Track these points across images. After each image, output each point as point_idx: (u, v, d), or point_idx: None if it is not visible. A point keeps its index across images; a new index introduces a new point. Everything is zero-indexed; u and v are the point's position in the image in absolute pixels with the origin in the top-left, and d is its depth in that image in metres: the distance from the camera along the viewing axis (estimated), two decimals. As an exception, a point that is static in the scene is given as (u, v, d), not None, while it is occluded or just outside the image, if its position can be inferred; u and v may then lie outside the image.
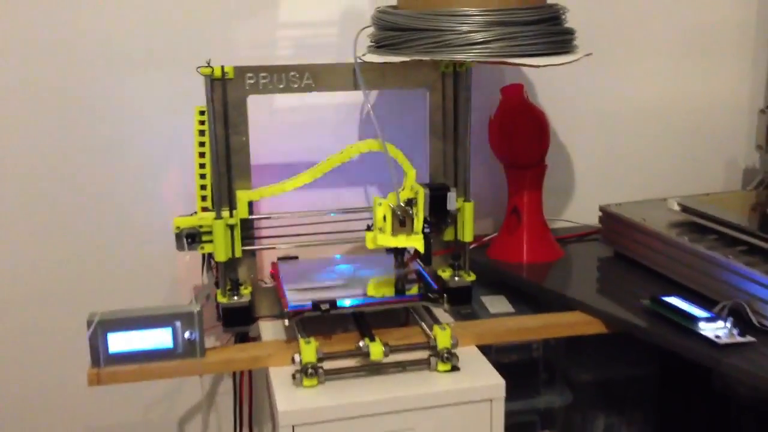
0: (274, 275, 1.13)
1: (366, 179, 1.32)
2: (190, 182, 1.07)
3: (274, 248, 1.11)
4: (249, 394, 1.23)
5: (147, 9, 1.22)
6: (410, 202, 0.99)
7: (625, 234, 1.23)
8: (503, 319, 1.11)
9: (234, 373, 1.25)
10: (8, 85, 1.20)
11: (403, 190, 1.00)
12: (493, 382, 0.95)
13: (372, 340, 0.97)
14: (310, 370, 0.93)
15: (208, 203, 1.05)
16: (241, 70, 1.02)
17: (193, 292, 1.26)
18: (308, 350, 0.93)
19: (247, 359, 1.01)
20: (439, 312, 1.08)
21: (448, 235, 1.11)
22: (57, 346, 1.28)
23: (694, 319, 0.96)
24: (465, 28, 0.99)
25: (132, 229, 1.27)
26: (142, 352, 0.96)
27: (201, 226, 1.03)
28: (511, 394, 0.95)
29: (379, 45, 1.07)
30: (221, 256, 1.03)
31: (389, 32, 1.05)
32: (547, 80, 1.37)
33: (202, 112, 1.03)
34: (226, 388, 1.33)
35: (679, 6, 1.43)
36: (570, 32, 1.06)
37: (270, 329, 1.08)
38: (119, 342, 0.95)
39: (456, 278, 1.08)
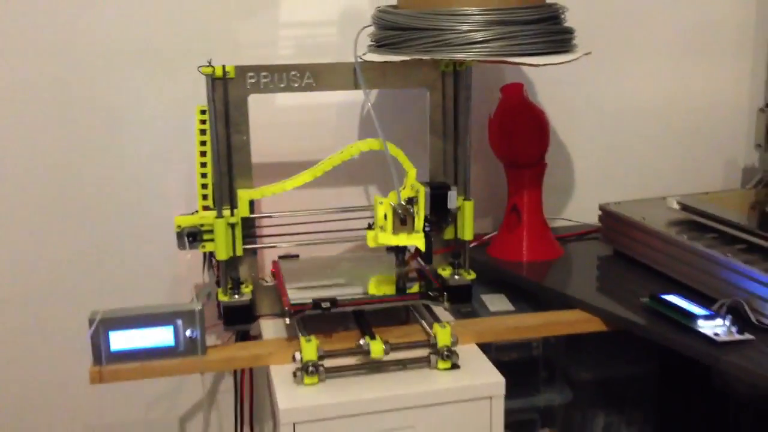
0: (275, 274, 1.13)
1: (366, 178, 1.32)
2: (191, 181, 1.08)
3: (275, 247, 1.12)
4: (250, 392, 1.24)
5: (148, 8, 1.22)
6: (411, 201, 1.00)
7: (624, 232, 1.23)
8: (503, 317, 1.11)
9: (235, 372, 1.26)
10: (9, 84, 1.20)
11: (403, 188, 1.01)
12: (493, 380, 0.95)
13: (372, 338, 0.97)
14: (310, 368, 0.93)
15: (209, 202, 1.05)
16: (242, 70, 1.02)
17: (194, 291, 1.27)
18: (309, 348, 0.94)
19: (248, 357, 1.01)
20: (440, 310, 1.08)
21: (448, 234, 1.11)
22: (58, 345, 1.28)
23: (693, 317, 0.97)
24: (465, 27, 0.99)
25: (133, 228, 1.28)
26: (144, 350, 0.96)
27: (202, 225, 1.03)
28: (511, 392, 0.96)
29: (380, 44, 1.07)
30: (222, 254, 1.03)
31: (389, 31, 1.05)
32: (546, 79, 1.37)
33: (203, 112, 1.04)
34: (227, 387, 1.34)
35: (679, 5, 1.43)
36: (569, 31, 1.07)
37: (271, 327, 1.08)
38: (121, 340, 0.95)
39: (456, 277, 1.09)
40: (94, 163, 1.25)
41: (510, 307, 1.16)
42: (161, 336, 0.96)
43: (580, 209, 1.43)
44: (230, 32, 1.26)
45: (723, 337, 0.93)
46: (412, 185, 1.01)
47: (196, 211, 1.05)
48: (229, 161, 1.04)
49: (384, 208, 0.98)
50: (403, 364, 0.97)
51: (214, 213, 1.03)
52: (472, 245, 1.12)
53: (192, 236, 1.03)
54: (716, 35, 1.46)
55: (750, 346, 0.92)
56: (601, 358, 1.22)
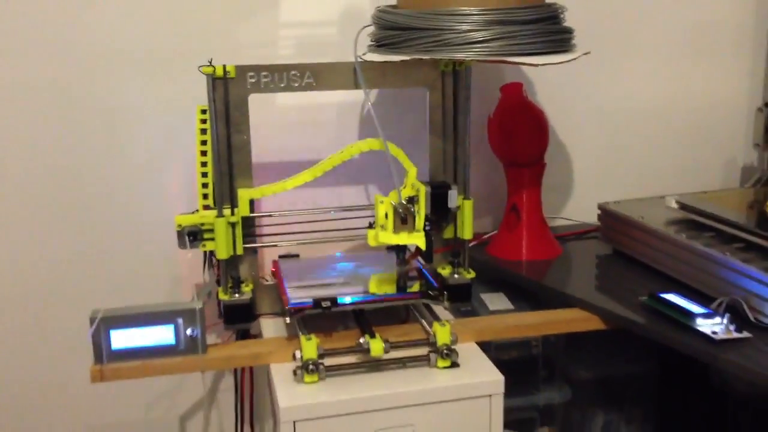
0: (275, 273, 1.13)
1: (366, 177, 1.32)
2: (191, 180, 1.08)
3: (275, 246, 1.12)
4: (250, 390, 1.24)
5: (149, 8, 1.22)
6: (411, 200, 1.00)
7: (623, 232, 1.23)
8: (502, 316, 1.12)
9: (235, 370, 1.26)
10: (9, 85, 1.21)
11: (404, 188, 1.01)
12: (493, 379, 0.96)
13: (372, 336, 0.97)
14: (311, 367, 0.93)
15: (210, 201, 1.05)
16: (242, 69, 1.02)
17: (194, 290, 1.27)
18: (309, 347, 0.94)
19: (248, 356, 1.01)
20: (439, 309, 1.09)
21: (447, 233, 1.11)
22: (58, 344, 1.29)
23: (692, 316, 0.97)
24: (464, 27, 1.00)
25: (134, 227, 1.28)
26: (145, 348, 0.96)
27: (203, 224, 1.04)
28: (510, 390, 0.96)
29: (380, 44, 1.07)
30: (223, 253, 1.04)
31: (389, 31, 1.05)
32: (546, 79, 1.37)
33: (203, 111, 1.04)
34: (227, 385, 1.34)
35: (678, 5, 1.43)
36: (568, 31, 1.07)
37: (271, 326, 1.09)
38: (122, 339, 0.95)
39: (456, 275, 1.09)
40: (95, 163, 1.25)
41: (509, 305, 1.16)
42: (162, 335, 0.96)
43: (579, 208, 1.44)
44: (231, 32, 1.26)
45: (721, 336, 0.93)
46: (413, 184, 1.01)
47: (197, 211, 1.06)
48: (229, 161, 1.05)
49: (385, 207, 0.98)
50: (402, 363, 0.98)
51: (214, 212, 1.04)
52: (471, 244, 1.13)
53: (193, 235, 1.03)
54: (715, 35, 1.46)
55: (748, 344, 0.93)
56: (600, 356, 1.22)
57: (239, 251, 1.05)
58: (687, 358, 0.95)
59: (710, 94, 1.48)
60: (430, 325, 1.01)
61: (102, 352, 0.95)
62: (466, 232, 1.09)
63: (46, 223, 1.26)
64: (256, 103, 1.05)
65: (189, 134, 1.07)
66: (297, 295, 1.03)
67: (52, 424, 1.33)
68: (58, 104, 1.23)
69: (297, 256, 1.19)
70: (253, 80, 1.03)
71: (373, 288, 1.06)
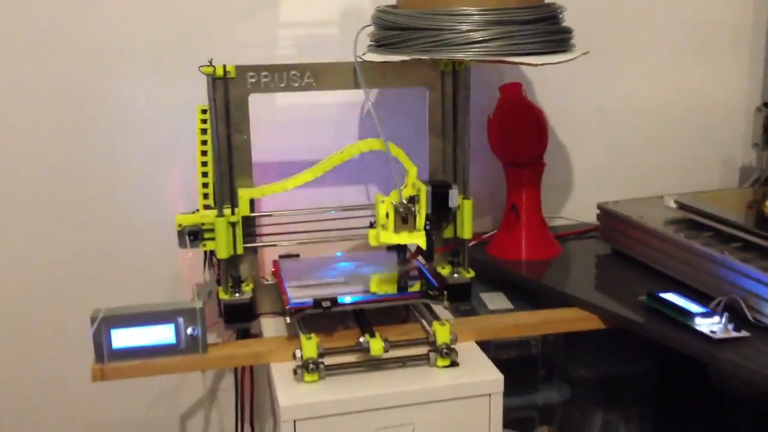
0: (276, 273, 1.13)
1: (366, 177, 1.33)
2: (192, 180, 1.08)
3: (275, 246, 1.12)
4: (250, 390, 1.24)
5: (149, 8, 1.22)
6: (412, 200, 1.00)
7: (622, 231, 1.23)
8: (502, 315, 1.12)
9: (235, 369, 1.26)
10: (10, 84, 1.21)
11: (405, 187, 1.01)
12: (492, 378, 0.96)
13: (372, 335, 0.98)
14: (311, 366, 0.94)
15: (210, 201, 1.06)
16: (242, 69, 1.03)
17: (195, 289, 1.27)
18: (309, 346, 0.94)
19: (248, 355, 1.01)
20: (439, 308, 1.09)
21: (447, 233, 1.11)
22: (59, 344, 1.29)
23: (690, 315, 0.97)
24: (464, 27, 1.00)
25: (134, 227, 1.28)
26: (145, 347, 0.96)
27: (203, 224, 1.04)
28: (509, 389, 0.96)
29: (379, 44, 1.08)
30: (223, 253, 1.04)
31: (389, 31, 1.06)
32: (545, 79, 1.38)
33: (204, 111, 1.04)
34: (227, 385, 1.34)
35: (676, 5, 1.43)
36: (567, 31, 1.07)
37: (271, 326, 1.09)
38: (123, 338, 0.96)
39: (455, 275, 1.09)
40: (95, 162, 1.26)
41: (509, 305, 1.16)
42: (162, 334, 0.97)
43: (578, 208, 1.44)
44: (231, 32, 1.26)
45: (719, 335, 0.94)
46: (414, 184, 1.01)
47: (197, 210, 1.06)
48: (229, 160, 1.05)
49: (385, 206, 0.98)
50: (402, 362, 0.98)
51: (214, 212, 1.04)
52: (471, 244, 1.13)
53: (193, 235, 1.04)
54: (714, 35, 1.46)
55: (746, 344, 0.93)
56: (599, 356, 1.23)
57: (239, 251, 1.05)
58: (686, 358, 0.96)
59: (709, 94, 1.48)
60: (430, 325, 1.01)
61: (103, 351, 0.96)
62: (466, 232, 1.09)
63: (47, 222, 1.26)
64: (257, 102, 1.06)
65: (189, 134, 1.07)
66: (297, 294, 1.04)
67: (53, 423, 1.33)
68: (58, 104, 1.23)
69: (297, 255, 1.19)
70: (253, 80, 1.04)
71: (374, 287, 1.06)
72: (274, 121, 1.27)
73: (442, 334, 0.98)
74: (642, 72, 1.45)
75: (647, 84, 1.46)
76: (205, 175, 1.05)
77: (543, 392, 1.21)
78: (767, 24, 1.46)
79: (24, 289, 1.27)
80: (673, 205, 1.20)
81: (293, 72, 1.05)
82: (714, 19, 1.46)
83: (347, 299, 1.02)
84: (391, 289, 1.06)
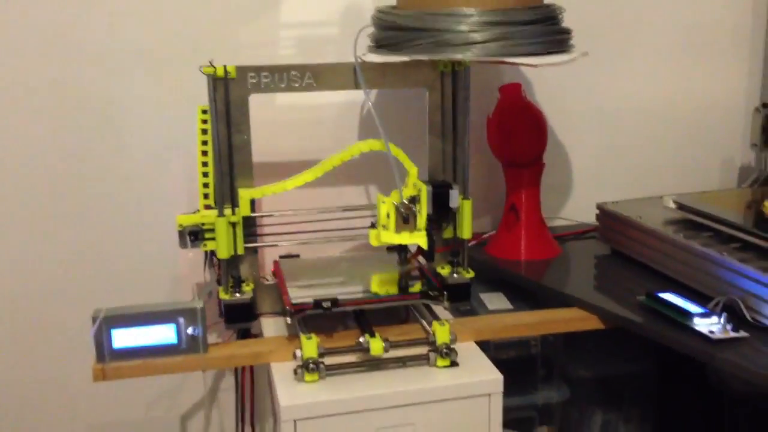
0: (276, 273, 1.14)
1: (366, 177, 1.33)
2: (192, 180, 1.09)
3: (276, 246, 1.12)
4: (251, 389, 1.24)
5: (150, 9, 1.23)
6: (413, 200, 1.00)
7: (621, 231, 1.24)
8: (501, 315, 1.12)
9: (236, 369, 1.26)
10: (10, 84, 1.21)
11: (405, 187, 1.01)
12: (492, 377, 0.96)
13: (372, 335, 0.98)
14: (311, 366, 0.94)
15: (211, 201, 1.06)
16: (243, 70, 1.03)
17: (195, 289, 1.28)
18: (309, 346, 0.95)
19: (249, 355, 1.02)
20: (439, 308, 1.09)
21: (447, 233, 1.12)
22: (59, 344, 1.29)
23: (689, 315, 0.98)
24: (463, 28, 1.00)
25: (135, 227, 1.28)
26: (146, 347, 0.97)
27: (204, 224, 1.04)
28: (509, 389, 0.96)
29: (379, 45, 1.08)
30: (224, 253, 1.04)
31: (389, 32, 1.06)
32: (544, 79, 1.38)
33: (204, 111, 1.04)
34: (228, 385, 1.35)
35: (675, 6, 1.44)
36: (567, 32, 1.08)
37: (271, 326, 1.09)
38: (123, 338, 0.96)
39: (455, 275, 1.09)
40: (96, 162, 1.26)
41: (508, 305, 1.16)
42: (163, 334, 0.97)
43: (577, 208, 1.44)
44: (231, 32, 1.27)
45: (718, 335, 0.94)
46: (414, 184, 1.01)
47: (198, 210, 1.06)
48: (230, 160, 1.05)
49: (387, 206, 0.98)
50: (402, 362, 0.98)
51: (215, 212, 1.04)
52: (470, 244, 1.13)
53: (194, 235, 1.04)
54: (713, 36, 1.47)
55: (745, 344, 0.93)
56: (598, 356, 1.23)
57: (240, 251, 1.06)
58: (684, 358, 0.96)
59: (708, 95, 1.49)
60: (430, 325, 1.01)
61: (104, 351, 0.96)
62: (465, 232, 1.09)
63: (47, 222, 1.26)
64: (257, 103, 1.06)
65: (190, 134, 1.07)
66: (298, 295, 1.04)
67: (53, 423, 1.33)
68: (59, 104, 1.23)
69: (297, 256, 1.20)
70: (253, 80, 1.04)
71: (375, 288, 1.06)
72: (275, 121, 1.27)
73: (441, 334, 0.98)
74: (641, 72, 1.45)
75: (646, 84, 1.46)
76: (205, 175, 1.06)
77: (542, 392, 1.21)
78: (766, 24, 1.47)
79: (24, 289, 1.27)
80: (672, 205, 1.20)
81: (293, 72, 1.05)
82: (713, 19, 1.46)
83: (348, 300, 1.02)
84: (392, 289, 1.06)
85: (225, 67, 1.02)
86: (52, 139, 1.24)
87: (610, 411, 1.28)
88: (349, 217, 1.12)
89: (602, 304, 1.08)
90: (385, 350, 0.97)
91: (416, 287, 1.07)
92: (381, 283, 1.07)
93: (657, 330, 0.99)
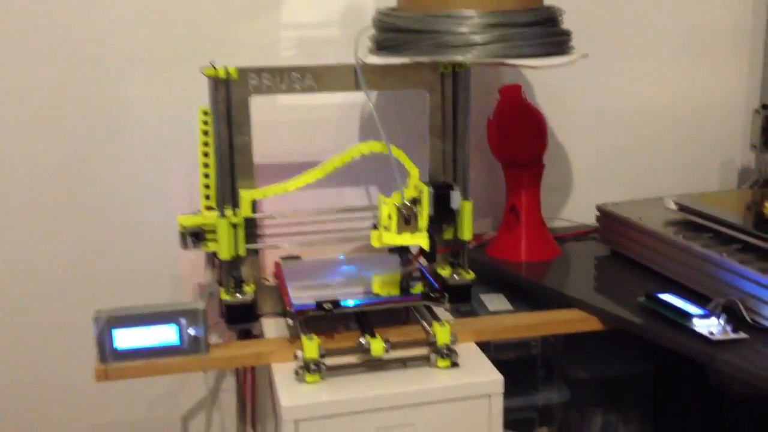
0: (277, 274, 1.14)
1: (367, 178, 1.33)
2: (194, 181, 1.09)
3: (277, 247, 1.13)
4: (252, 390, 1.24)
5: (151, 10, 1.23)
6: (414, 201, 1.01)
7: (621, 232, 1.24)
8: (502, 316, 1.12)
9: (237, 370, 1.27)
10: (11, 85, 1.21)
11: (407, 188, 1.02)
12: (492, 378, 0.96)
13: (373, 336, 0.98)
14: (312, 366, 0.94)
15: (212, 202, 1.06)
16: (244, 71, 1.03)
17: (197, 290, 1.28)
18: (310, 347, 0.95)
19: (250, 355, 1.02)
20: (439, 309, 1.09)
21: (447, 234, 1.12)
22: (61, 344, 1.29)
23: (689, 316, 0.98)
24: (464, 29, 1.00)
25: (137, 228, 1.28)
26: (148, 348, 0.97)
27: (205, 225, 1.04)
28: (509, 390, 0.96)
29: (380, 46, 1.08)
30: (225, 254, 1.04)
31: (389, 34, 1.06)
32: (544, 81, 1.38)
33: (205, 113, 1.05)
34: (229, 385, 1.35)
35: (675, 7, 1.44)
36: (566, 33, 1.08)
37: (272, 326, 1.09)
38: (126, 338, 0.96)
39: (455, 276, 1.10)
40: (97, 163, 1.26)
41: (508, 306, 1.17)
42: (165, 334, 0.97)
43: (577, 209, 1.45)
44: (232, 34, 1.27)
45: (718, 336, 0.94)
46: (416, 185, 1.02)
47: (199, 211, 1.06)
48: (231, 162, 1.05)
49: (388, 208, 0.98)
50: (403, 363, 0.99)
51: (216, 213, 1.04)
52: (471, 245, 1.14)
53: (195, 236, 1.04)
54: (712, 36, 1.47)
55: (744, 345, 0.94)
56: (598, 357, 1.23)
57: (241, 252, 1.06)
58: (684, 359, 0.96)
59: (708, 96, 1.49)
60: (430, 326, 1.01)
61: (106, 351, 0.96)
62: (466, 233, 1.09)
63: (49, 223, 1.26)
64: (258, 104, 1.06)
65: (191, 135, 1.07)
66: (299, 296, 1.04)
67: (55, 423, 1.33)
68: (61, 105, 1.23)
69: (298, 257, 1.20)
70: (254, 82, 1.04)
71: (377, 289, 1.06)
72: (276, 122, 1.27)
73: (442, 335, 0.98)
74: (641, 73, 1.45)
75: (646, 85, 1.46)
76: (206, 176, 1.06)
77: (543, 393, 1.21)
78: (766, 26, 1.47)
79: (27, 290, 1.28)
80: (672, 206, 1.20)
81: (294, 74, 1.05)
82: (713, 20, 1.46)
83: (349, 301, 1.02)
84: (394, 290, 1.06)
85: (226, 68, 1.02)
86: (54, 140, 1.24)
87: (610, 412, 1.28)
88: (350, 218, 1.12)
89: (602, 305, 1.08)
90: (386, 351, 0.97)
91: (417, 288, 1.07)
92: (382, 285, 1.07)
93: (657, 331, 1.00)
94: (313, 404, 0.92)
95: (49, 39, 1.21)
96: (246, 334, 1.10)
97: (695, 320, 0.97)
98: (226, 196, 1.05)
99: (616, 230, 1.26)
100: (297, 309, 1.00)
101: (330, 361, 0.97)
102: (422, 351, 1.00)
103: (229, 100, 1.03)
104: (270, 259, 1.21)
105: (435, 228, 1.07)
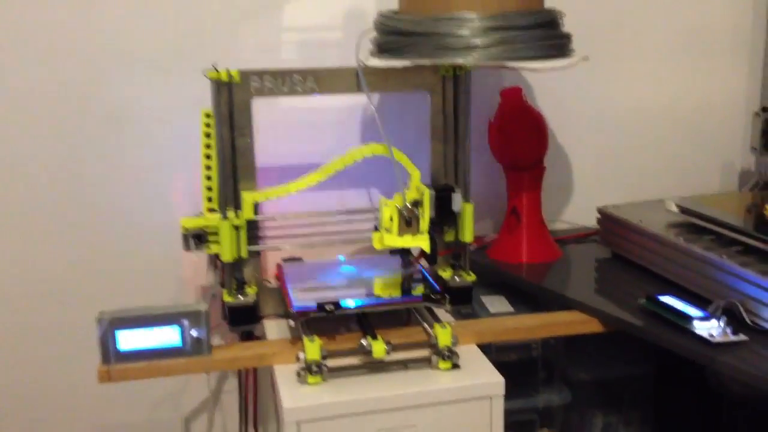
0: (279, 276, 1.14)
1: (369, 180, 1.33)
2: (196, 183, 1.09)
3: (279, 249, 1.13)
4: (254, 392, 1.25)
5: (154, 13, 1.23)
6: (415, 203, 1.01)
7: (622, 235, 1.24)
8: (503, 318, 1.13)
9: (239, 372, 1.27)
10: (15, 87, 1.22)
11: (408, 191, 1.02)
12: (493, 380, 0.97)
13: (374, 338, 0.98)
14: (314, 368, 0.95)
15: (214, 204, 1.07)
16: (246, 74, 1.04)
17: (199, 292, 1.28)
18: (312, 348, 0.95)
19: (252, 357, 1.02)
20: (440, 311, 1.09)
21: (448, 236, 1.12)
22: (64, 346, 1.30)
23: (689, 318, 0.98)
24: (465, 32, 1.00)
25: (140, 230, 1.29)
26: (151, 350, 0.97)
27: (207, 227, 1.05)
28: (510, 392, 0.97)
29: (382, 49, 1.09)
30: (227, 256, 1.05)
31: (391, 36, 1.06)
32: (545, 83, 1.38)
33: (208, 115, 1.05)
34: (231, 387, 1.35)
35: (676, 9, 1.44)
36: (567, 36, 1.08)
37: (274, 328, 1.10)
38: (129, 340, 0.96)
39: (457, 278, 1.10)
40: (101, 165, 1.26)
41: (509, 308, 1.17)
42: (168, 336, 0.98)
43: (578, 211, 1.45)
44: (235, 37, 1.27)
45: (718, 338, 0.94)
46: (417, 187, 1.02)
47: (202, 213, 1.07)
48: (233, 164, 1.06)
49: (389, 210, 0.99)
50: (404, 364, 0.99)
51: (219, 215, 1.05)
52: (472, 247, 1.14)
53: (197, 238, 1.04)
54: (713, 39, 1.47)
55: (744, 347, 0.94)
56: (599, 359, 1.23)
57: (243, 254, 1.06)
58: (684, 361, 0.96)
59: (708, 98, 1.49)
60: (432, 327, 1.02)
61: (109, 352, 0.96)
62: (467, 235, 1.10)
63: (52, 225, 1.27)
64: (260, 106, 1.06)
65: (194, 137, 1.08)
66: (301, 298, 1.04)
67: (57, 424, 1.34)
68: (63, 106, 1.24)
69: (300, 259, 1.20)
70: (256, 84, 1.04)
71: (378, 291, 1.06)
72: (278, 125, 1.28)
73: (443, 336, 0.99)
74: (641, 76, 1.46)
75: (647, 88, 1.46)
76: (209, 178, 1.06)
77: (543, 395, 1.22)
78: (766, 28, 1.47)
79: (29, 291, 1.28)
80: (674, 208, 1.20)
81: (296, 76, 1.06)
82: (713, 23, 1.46)
83: (350, 303, 1.02)
84: (395, 292, 1.07)
85: (228, 71, 1.02)
86: (57, 141, 1.24)
87: (611, 413, 1.28)
88: (352, 220, 1.12)
89: (603, 308, 1.09)
90: (387, 353, 0.97)
91: (418, 290, 1.08)
92: (384, 286, 1.07)
93: (657, 333, 1.00)
94: (315, 406, 0.92)
95: (52, 41, 1.21)
96: (248, 336, 1.10)
97: (695, 322, 0.97)
98: (228, 198, 1.05)
99: (616, 232, 1.26)
100: (298, 310, 1.00)
101: (332, 362, 0.97)
102: (423, 353, 1.00)
103: (232, 102, 1.04)
104: (272, 260, 1.21)
105: (436, 230, 1.08)
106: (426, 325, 1.05)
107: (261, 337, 1.10)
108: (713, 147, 1.51)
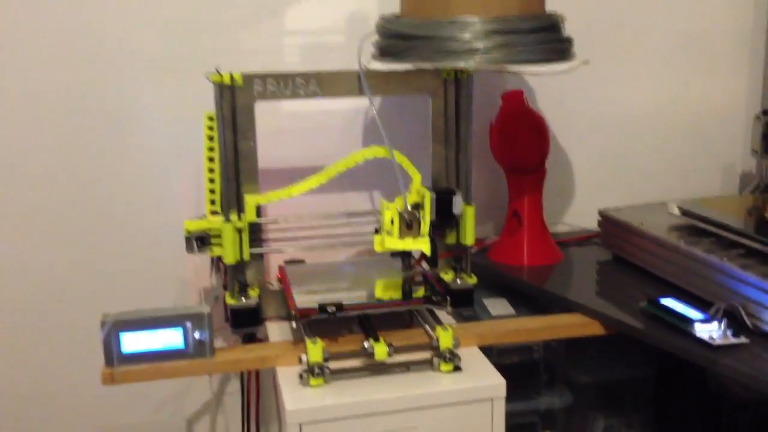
0: (281, 278, 1.14)
1: (370, 183, 1.34)
2: (199, 186, 1.09)
3: (281, 251, 1.13)
4: (256, 394, 1.25)
5: (157, 16, 1.24)
6: (416, 206, 1.01)
7: (623, 237, 1.24)
8: (504, 320, 1.13)
9: (242, 374, 1.27)
10: (18, 89, 1.22)
11: (409, 194, 1.02)
12: (495, 382, 0.97)
13: (376, 340, 0.99)
14: (316, 370, 0.95)
15: (217, 207, 1.07)
16: (249, 77, 1.04)
17: (202, 294, 1.28)
18: (315, 350, 0.95)
19: (255, 359, 1.03)
20: (442, 314, 1.10)
21: (450, 239, 1.12)
22: (67, 347, 1.30)
23: (690, 321, 0.98)
24: (466, 36, 1.01)
25: (143, 232, 1.29)
26: (154, 352, 0.98)
27: (210, 230, 1.05)
28: (512, 394, 0.97)
29: (383, 52, 1.09)
30: (230, 258, 1.05)
31: (393, 40, 1.07)
32: (546, 86, 1.39)
33: (211, 118, 1.05)
34: (233, 389, 1.35)
35: (676, 12, 1.44)
36: (568, 40, 1.09)
37: (277, 330, 1.10)
38: (132, 342, 0.97)
39: (458, 281, 1.10)
40: (104, 168, 1.27)
41: (511, 310, 1.17)
42: (171, 338, 0.98)
43: (579, 214, 1.45)
44: (237, 40, 1.28)
45: (719, 341, 0.95)
46: (418, 190, 1.02)
47: (205, 216, 1.07)
48: (236, 167, 1.06)
49: (391, 213, 0.99)
50: (406, 367, 0.99)
51: (222, 218, 1.05)
52: (473, 250, 1.14)
53: (200, 240, 1.05)
54: (713, 41, 1.47)
55: (745, 350, 0.94)
56: (600, 361, 1.23)
57: (246, 256, 1.06)
58: (685, 363, 0.96)
59: (709, 101, 1.49)
60: (433, 330, 1.02)
61: (113, 355, 0.97)
62: (468, 238, 1.10)
63: (56, 227, 1.27)
64: (263, 110, 1.07)
65: (197, 140, 1.08)
66: (303, 300, 1.04)
67: (60, 426, 1.34)
68: (67, 109, 1.24)
69: (302, 261, 1.21)
70: (259, 88, 1.05)
71: (379, 293, 1.07)
72: (280, 128, 1.28)
73: (445, 339, 0.99)
74: (642, 79, 1.46)
75: (647, 91, 1.47)
76: (212, 181, 1.07)
77: (545, 397, 1.22)
78: (766, 31, 1.47)
79: (33, 293, 1.28)
80: (675, 211, 1.20)
81: (299, 79, 1.06)
82: (713, 26, 1.47)
83: (352, 305, 1.03)
84: (396, 294, 1.07)
85: (231, 74, 1.03)
86: (61, 144, 1.25)
87: (612, 416, 1.28)
88: (354, 222, 1.13)
89: (604, 310, 1.09)
90: (389, 355, 0.98)
91: (420, 292, 1.08)
92: (385, 289, 1.08)
93: (658, 336, 1.00)
94: (317, 408, 0.92)
95: (56, 44, 1.21)
96: (250, 338, 1.10)
97: (696, 325, 0.98)
98: (231, 200, 1.06)
99: (617, 235, 1.26)
100: (301, 312, 1.01)
101: (334, 364, 0.97)
102: (425, 355, 1.00)
103: (234, 105, 1.04)
104: (274, 263, 1.22)
105: (437, 233, 1.08)
106: (428, 328, 1.06)
107: (263, 340, 1.11)
108: (714, 149, 1.51)
